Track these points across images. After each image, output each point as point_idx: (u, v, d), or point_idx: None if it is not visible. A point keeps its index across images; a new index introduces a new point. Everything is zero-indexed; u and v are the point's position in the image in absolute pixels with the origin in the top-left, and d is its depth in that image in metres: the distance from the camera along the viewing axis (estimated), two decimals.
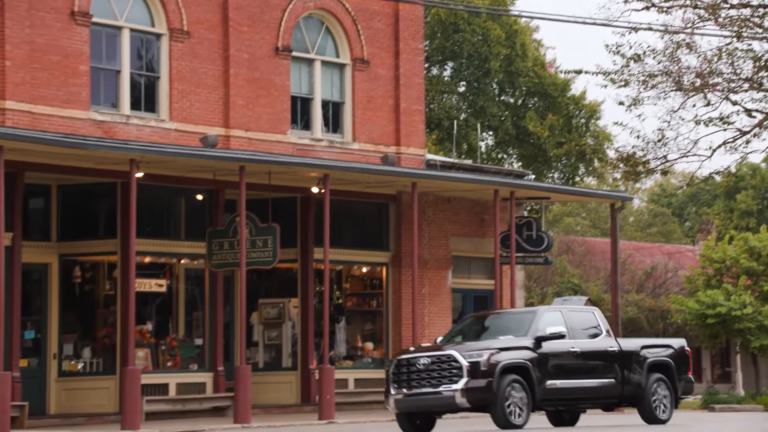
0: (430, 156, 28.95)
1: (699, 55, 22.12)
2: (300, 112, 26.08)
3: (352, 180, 24.81)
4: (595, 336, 18.04)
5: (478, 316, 19.68)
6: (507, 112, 40.22)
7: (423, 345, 19.49)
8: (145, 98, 23.72)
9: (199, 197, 24.20)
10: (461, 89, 40.61)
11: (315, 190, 24.37)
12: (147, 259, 23.27)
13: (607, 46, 23.07)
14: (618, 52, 22.87)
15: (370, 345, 26.87)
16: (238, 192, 22.22)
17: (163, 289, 23.67)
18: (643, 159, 23.70)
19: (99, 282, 23.51)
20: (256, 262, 23.02)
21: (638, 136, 23.58)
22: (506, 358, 16.75)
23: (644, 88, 22.72)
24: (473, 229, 28.47)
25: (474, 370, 16.47)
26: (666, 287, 35.09)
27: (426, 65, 36.48)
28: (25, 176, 21.34)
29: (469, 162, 31.82)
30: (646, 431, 17.32)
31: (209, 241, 23.53)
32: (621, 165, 24.52)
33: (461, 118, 39.43)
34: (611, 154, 35.30)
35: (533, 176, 36.84)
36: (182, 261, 24.00)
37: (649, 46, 22.53)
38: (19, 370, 20.94)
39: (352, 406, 25.29)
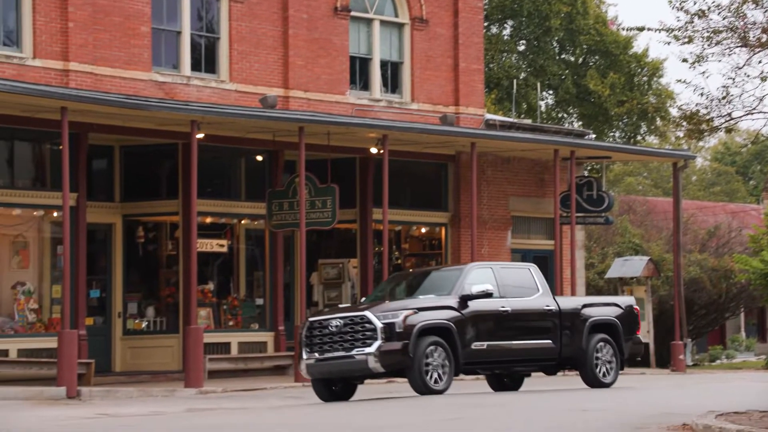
0: (489, 116, 28.79)
1: (765, 10, 21.67)
2: (359, 72, 26.05)
3: (411, 140, 24.77)
4: (530, 295, 16.82)
5: (406, 275, 18.54)
6: (567, 71, 39.78)
7: (340, 306, 18.15)
8: (205, 59, 23.84)
9: (259, 158, 24.34)
10: (521, 48, 40.23)
11: (374, 150, 24.38)
12: (208, 220, 23.49)
13: (670, 2, 22.70)
14: (682, 8, 22.49)
15: None
16: (297, 153, 22.30)
17: (224, 250, 23.91)
18: (707, 117, 23.36)
19: (161, 242, 23.80)
20: (316, 223, 23.14)
21: (702, 94, 23.24)
22: (425, 318, 15.54)
23: (708, 45, 22.34)
24: (533, 189, 28.33)
25: (389, 332, 15.27)
26: (729, 247, 34.64)
27: (485, 24, 36.14)
28: (89, 137, 21.61)
29: (528, 121, 31.60)
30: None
31: (269, 202, 23.68)
32: (684, 123, 24.19)
33: (521, 78, 39.09)
34: (674, 112, 34.86)
35: (594, 135, 36.44)
36: (243, 221, 24.20)
37: (713, 2, 22.14)
38: (85, 328, 21.33)
39: None
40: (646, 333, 30.15)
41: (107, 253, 22.78)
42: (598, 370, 16.98)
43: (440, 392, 15.36)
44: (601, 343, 17.04)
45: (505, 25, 40.32)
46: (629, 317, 17.59)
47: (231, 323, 23.60)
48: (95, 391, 19.14)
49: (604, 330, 17.16)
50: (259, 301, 24.21)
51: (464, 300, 15.98)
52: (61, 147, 19.71)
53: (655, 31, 23.07)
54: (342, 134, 23.53)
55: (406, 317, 15.35)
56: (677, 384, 20.79)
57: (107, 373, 22.05)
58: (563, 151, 26.33)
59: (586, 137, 30.48)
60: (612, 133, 40.34)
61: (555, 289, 27.68)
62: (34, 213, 21.50)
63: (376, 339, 15.24)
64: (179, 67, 23.46)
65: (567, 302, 17.27)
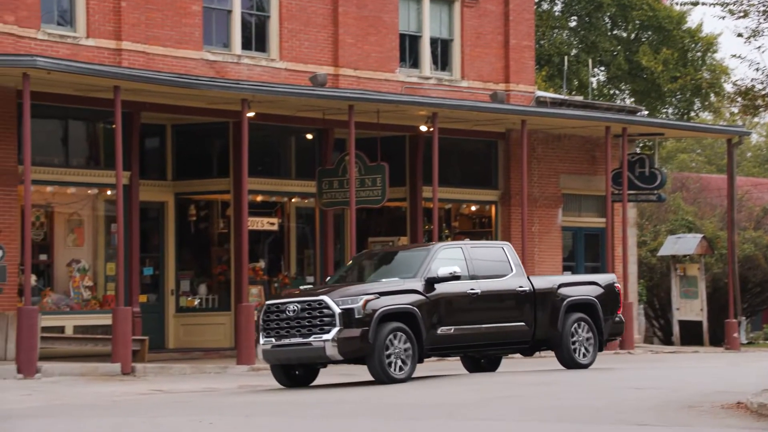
0: (539, 93, 28.62)
1: None
2: (408, 49, 26.00)
3: (461, 118, 24.71)
4: (502, 275, 16.04)
5: (372, 255, 17.51)
6: (619, 47, 39.38)
7: (302, 288, 17.30)
8: (255, 38, 23.93)
9: (309, 136, 24.42)
10: (572, 24, 39.87)
11: (423, 128, 24.36)
12: (259, 198, 23.65)
13: None
14: None
15: None
16: (347, 131, 22.35)
17: (275, 228, 24.07)
18: (763, 92, 22.98)
19: (213, 220, 24.01)
20: (366, 201, 23.20)
21: (757, 69, 22.82)
22: (387, 303, 14.66)
23: (764, 19, 21.94)
24: (584, 166, 28.16)
25: (347, 317, 14.42)
26: None
27: (536, 0, 35.87)
28: (141, 116, 21.81)
29: (579, 98, 31.35)
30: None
31: (319, 180, 23.78)
32: (739, 99, 23.80)
33: (572, 54, 38.77)
34: (728, 88, 34.37)
35: (646, 112, 36.08)
36: (293, 200, 24.33)
37: None
38: (139, 305, 21.61)
39: None
40: (699, 311, 29.92)
41: (160, 231, 23.02)
42: (575, 351, 16.34)
43: (401, 380, 14.54)
44: (578, 324, 16.36)
45: (556, 1, 39.98)
46: (610, 296, 16.89)
47: None
48: (149, 367, 19.40)
49: (581, 310, 16.50)
50: (310, 279, 24.35)
51: (430, 283, 15.17)
52: (114, 126, 19.92)
53: (710, 5, 22.68)
54: (392, 112, 23.52)
55: (366, 302, 14.55)
56: (731, 362, 20.63)
57: (161, 349, 22.32)
58: (615, 128, 26.12)
59: (639, 114, 30.20)
60: (665, 110, 39.93)
61: (606, 267, 27.56)
62: (89, 191, 21.78)
63: (334, 325, 14.44)
64: (230, 45, 23.57)
65: (542, 282, 16.47)
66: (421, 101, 23.56)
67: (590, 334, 16.46)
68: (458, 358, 17.22)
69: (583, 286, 16.84)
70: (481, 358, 16.85)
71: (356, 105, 22.23)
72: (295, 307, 14.64)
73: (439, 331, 15.12)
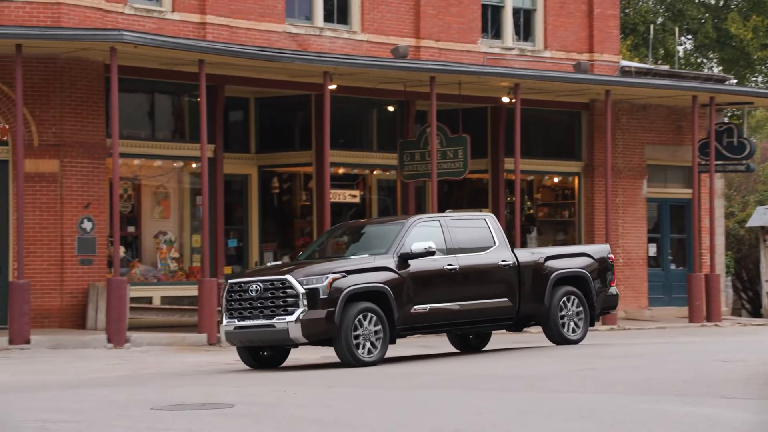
0: (624, 62, 28.25)
1: None
2: (490, 20, 25.83)
3: (544, 89, 24.52)
4: (484, 249, 15.08)
5: (345, 229, 16.11)
6: (707, 14, 38.61)
7: (268, 265, 16.07)
8: (337, 10, 23.99)
9: (391, 108, 24.47)
10: None
11: (505, 99, 24.24)
12: (341, 170, 23.80)
13: None
14: None
15: None
16: (428, 103, 22.34)
17: (357, 200, 24.21)
18: None
19: (296, 193, 24.24)
20: (447, 173, 23.20)
21: None
22: (355, 282, 13.73)
23: None
24: (670, 136, 27.76)
25: (312, 298, 13.52)
26: None
27: None
28: (225, 89, 22.06)
29: (666, 67, 30.85)
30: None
31: (400, 152, 23.83)
32: None
33: (658, 22, 38.11)
34: None
35: (735, 81, 35.39)
36: (374, 172, 24.43)
37: None
38: (224, 276, 21.93)
39: None
40: None
41: (243, 204, 23.32)
42: (563, 326, 15.52)
43: (371, 364, 13.68)
44: (567, 298, 15.53)
45: None
46: (602, 268, 16.02)
47: None
48: None
49: (570, 283, 15.65)
50: None
51: (403, 259, 14.18)
52: (198, 99, 20.19)
53: None
54: (473, 83, 23.44)
55: (332, 281, 13.60)
56: None
57: None
58: (702, 98, 25.69)
59: (727, 83, 29.63)
60: (754, 78, 39.09)
61: (692, 239, 27.20)
62: (174, 164, 22.14)
63: (298, 306, 13.54)
64: (312, 18, 23.68)
65: (527, 255, 15.54)
66: (504, 72, 23.42)
67: (580, 309, 15.66)
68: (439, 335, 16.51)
69: (573, 258, 15.93)
70: (469, 335, 16.14)
71: (438, 77, 22.19)
72: (258, 287, 13.75)
73: (413, 310, 14.20)
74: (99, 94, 20.42)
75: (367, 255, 14.25)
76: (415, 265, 14.26)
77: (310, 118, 23.32)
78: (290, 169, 23.96)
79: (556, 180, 26.93)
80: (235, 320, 13.89)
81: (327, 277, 13.63)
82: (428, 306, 14.33)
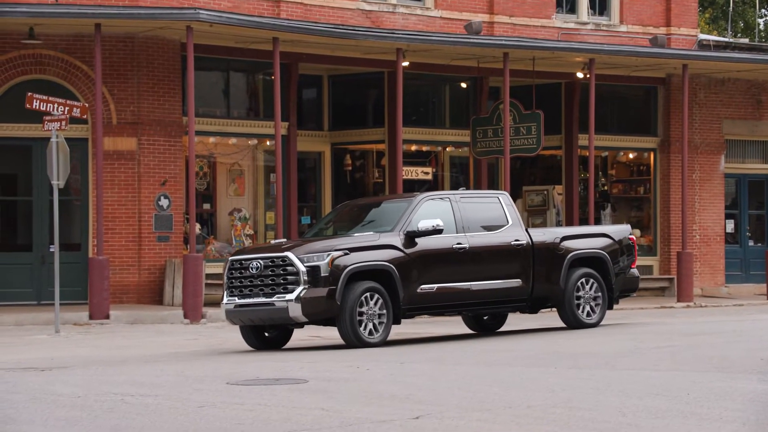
0: (702, 36, 27.79)
1: None
2: None
3: (619, 64, 24.26)
4: (497, 228, 14.53)
5: (354, 206, 15.54)
6: None
7: (272, 242, 15.48)
8: None
9: (463, 85, 24.42)
10: None
11: (580, 75, 24.04)
12: (413, 147, 23.84)
13: None
14: None
15: (637, 231, 26.54)
16: (501, 79, 22.25)
17: (429, 177, 24.23)
18: None
19: (368, 170, 24.34)
20: (520, 150, 23.11)
21: None
22: (357, 260, 13.25)
23: None
24: (749, 111, 27.30)
25: (313, 276, 13.07)
26: None
27: None
28: (299, 67, 22.20)
29: (745, 41, 30.29)
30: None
31: (473, 129, 23.78)
32: None
33: None
34: None
35: None
36: (447, 149, 24.43)
37: None
38: None
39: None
40: None
41: (317, 181, 23.49)
42: (580, 309, 14.87)
43: (374, 345, 13.25)
44: (584, 280, 14.91)
45: None
46: (622, 249, 15.37)
47: None
48: None
49: (588, 264, 15.04)
50: None
51: (410, 237, 13.68)
52: (272, 77, 20.36)
53: None
54: (547, 59, 23.27)
55: (333, 259, 13.15)
56: None
57: None
58: None
59: None
60: None
61: None
62: (249, 142, 22.38)
63: (298, 284, 13.09)
64: None
65: (542, 235, 14.95)
66: (578, 47, 23.22)
67: (598, 291, 14.99)
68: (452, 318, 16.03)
69: (591, 239, 15.29)
70: (484, 315, 15.64)
71: (511, 52, 22.08)
72: (258, 264, 13.29)
73: (419, 290, 13.68)
74: (175, 72, 20.70)
75: (371, 232, 13.81)
76: (423, 243, 13.77)
77: (382, 96, 23.37)
78: (363, 146, 24.06)
79: (631, 156, 26.67)
80: (236, 298, 13.47)
81: (328, 255, 13.18)
82: (435, 286, 13.82)
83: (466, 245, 14.13)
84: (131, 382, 10.09)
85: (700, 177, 26.62)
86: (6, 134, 20.20)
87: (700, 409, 7.87)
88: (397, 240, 13.63)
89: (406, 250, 13.63)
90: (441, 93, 24.61)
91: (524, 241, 14.61)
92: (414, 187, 24.11)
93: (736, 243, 27.47)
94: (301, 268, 13.11)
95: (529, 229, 14.89)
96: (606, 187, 26.45)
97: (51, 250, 18.66)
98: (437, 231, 13.75)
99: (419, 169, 24.09)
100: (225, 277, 13.64)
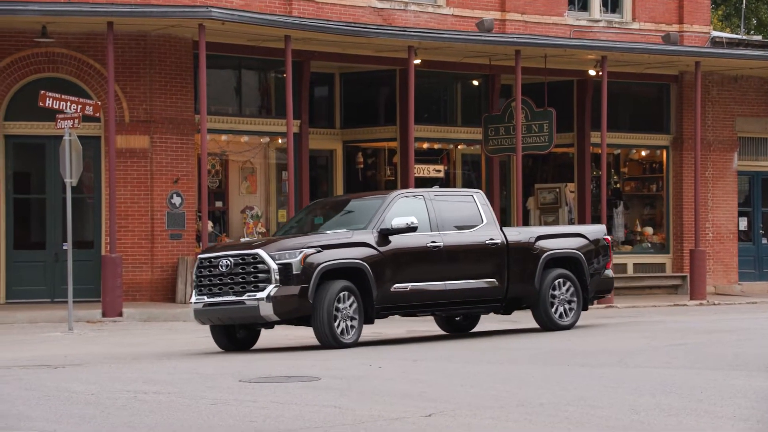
0: (715, 33, 27.72)
1: None
2: None
3: (632, 61, 24.22)
4: (471, 227, 14.19)
5: (326, 204, 15.43)
6: None
7: (243, 240, 15.04)
8: None
9: (475, 83, 24.42)
10: None
11: (592, 72, 24.01)
12: (425, 145, 23.84)
13: None
14: None
15: (649, 229, 26.51)
16: (513, 77, 22.24)
17: (441, 175, 24.24)
18: None
19: (380, 167, 24.36)
20: (532, 147, 23.09)
21: None
22: (330, 258, 12.93)
23: None
24: (762, 108, 27.23)
25: (285, 273, 12.72)
26: None
27: None
28: (311, 65, 22.23)
29: (758, 38, 30.19)
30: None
31: (485, 127, 23.78)
32: None
33: None
34: None
35: None
36: (459, 146, 24.44)
37: None
38: None
39: (631, 290, 25.17)
40: None
41: (329, 179, 23.51)
42: (554, 310, 14.55)
43: (348, 345, 12.96)
44: (559, 281, 14.57)
45: None
46: (597, 249, 15.05)
47: None
48: None
49: (563, 265, 14.71)
50: None
51: (384, 235, 13.34)
52: (284, 75, 20.39)
53: None
54: (559, 57, 23.25)
55: (305, 256, 12.80)
56: None
57: None
58: None
59: None
60: None
61: None
62: (261, 140, 22.42)
63: (269, 282, 12.74)
64: None
65: (517, 234, 14.60)
66: (591, 45, 23.19)
67: (572, 292, 14.67)
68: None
69: (566, 239, 14.94)
70: (456, 316, 15.28)
71: (523, 50, 22.06)
72: (228, 262, 12.95)
73: (393, 289, 13.36)
74: (187, 70, 20.75)
75: (344, 230, 13.51)
76: (396, 241, 13.44)
77: (394, 93, 23.39)
78: (375, 144, 24.08)
79: (643, 153, 26.62)
80: (205, 297, 13.13)
81: (300, 252, 12.84)
82: (409, 285, 13.51)
83: (441, 244, 13.83)
84: (144, 379, 10.14)
85: (713, 174, 26.56)
86: (19, 132, 20.29)
87: (713, 407, 7.86)
88: (371, 238, 13.32)
89: (379, 248, 13.32)
90: (453, 91, 24.61)
91: (499, 241, 14.31)
92: (426, 184, 24.13)
93: (750, 241, 27.40)
94: (273, 265, 12.76)
95: (504, 229, 14.60)
96: (618, 185, 26.42)
97: (64, 247, 18.72)
98: (411, 229, 13.44)
99: (431, 167, 24.11)
100: (194, 276, 13.36)
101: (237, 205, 22.45)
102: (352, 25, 21.09)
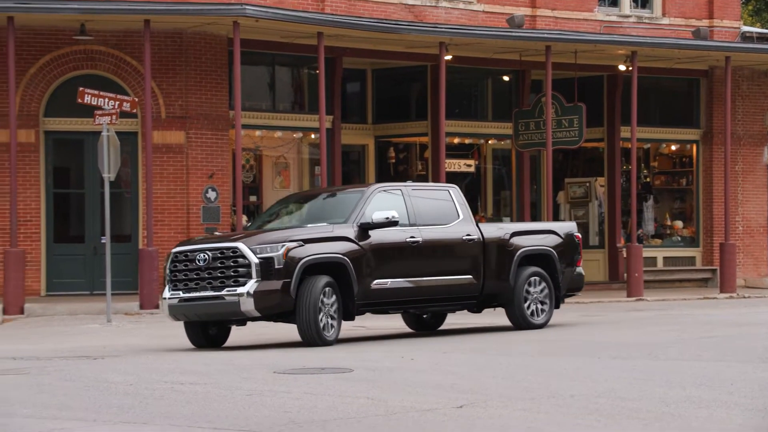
0: (745, 28, 27.67)
1: None
2: None
3: (661, 56, 24.27)
4: (448, 222, 13.77)
5: (300, 197, 14.96)
6: None
7: (216, 233, 14.78)
8: None
9: (506, 78, 24.54)
10: None
11: (622, 67, 24.08)
12: (456, 140, 24.02)
13: None
14: None
15: (679, 223, 26.56)
16: (543, 72, 22.36)
17: (472, 169, 24.41)
18: None
19: (411, 162, 24.55)
20: (562, 142, 23.22)
21: None
22: (313, 252, 12.50)
23: None
24: None
25: (266, 268, 12.26)
26: None
27: None
28: (343, 61, 22.45)
29: None
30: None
31: (515, 122, 23.92)
32: None
33: None
34: None
35: None
36: (489, 141, 24.58)
37: None
38: None
39: (661, 284, 25.26)
40: None
41: (361, 173, 23.73)
42: (527, 308, 14.14)
43: (329, 343, 12.51)
44: (533, 278, 14.20)
45: None
46: (569, 247, 14.65)
47: None
48: None
49: (536, 262, 14.32)
50: (506, 220, 24.63)
51: (364, 229, 12.91)
52: (317, 71, 20.62)
53: None
54: (589, 52, 23.35)
55: (288, 250, 12.34)
56: None
57: None
58: None
59: None
60: None
61: None
62: (294, 135, 22.66)
63: (250, 277, 12.28)
64: None
65: (493, 230, 14.18)
66: (621, 40, 23.27)
67: (546, 290, 14.28)
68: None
69: (540, 236, 14.55)
70: (424, 314, 14.85)
71: (554, 46, 22.18)
72: (206, 256, 12.48)
73: (373, 285, 12.93)
74: (222, 67, 21.02)
75: (325, 224, 13.02)
76: (376, 236, 12.98)
77: (425, 89, 23.56)
78: (406, 139, 24.27)
79: (673, 148, 26.66)
80: (180, 292, 12.64)
81: (282, 246, 12.36)
82: (389, 281, 13.06)
83: (420, 239, 13.41)
84: (181, 370, 10.21)
85: (743, 168, 26.56)
86: (59, 128, 20.63)
87: (744, 400, 7.85)
88: (351, 232, 12.87)
89: (360, 243, 12.86)
90: (483, 86, 24.75)
91: (475, 237, 13.89)
92: (457, 179, 24.31)
93: None
94: (254, 259, 12.30)
95: (479, 224, 14.21)
96: (648, 179, 26.48)
97: (102, 241, 19.05)
98: (392, 223, 13.00)
99: (462, 162, 24.27)
100: (167, 270, 12.85)
101: (271, 200, 22.69)
102: (384, 21, 21.28)
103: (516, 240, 14.24)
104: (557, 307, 14.59)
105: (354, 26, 20.65)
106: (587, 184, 25.78)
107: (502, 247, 14.11)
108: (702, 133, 26.32)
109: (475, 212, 24.56)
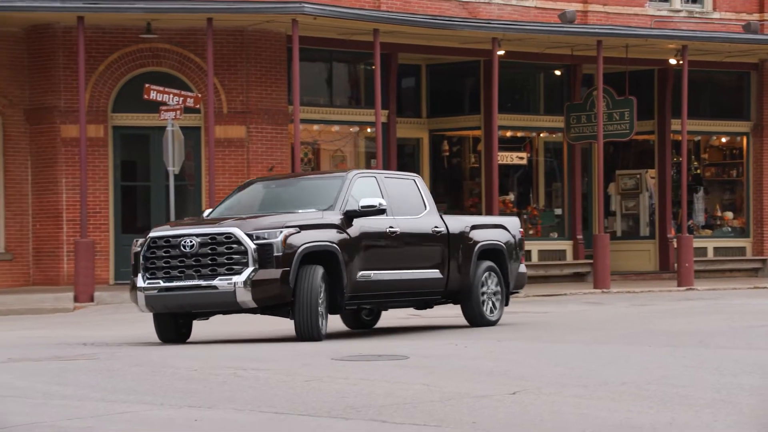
0: None
1: None
2: None
3: (712, 50, 24.46)
4: (417, 213, 12.90)
5: (270, 183, 13.14)
6: None
7: (198, 218, 13.35)
8: None
9: (557, 72, 24.89)
10: None
11: (673, 61, 24.32)
12: (508, 134, 24.41)
13: None
14: None
15: (729, 214, 26.76)
16: (595, 66, 22.68)
17: (524, 162, 24.80)
18: None
19: (465, 155, 24.98)
20: (613, 135, 23.54)
21: None
22: (309, 240, 11.49)
23: None
24: None
25: (264, 255, 11.24)
26: None
27: None
28: (398, 57, 22.94)
29: None
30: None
31: (567, 115, 24.28)
32: None
33: None
34: None
35: None
36: (541, 135, 24.96)
37: None
38: None
39: (711, 273, 25.50)
40: None
41: (415, 166, 24.19)
42: (483, 305, 13.28)
43: (318, 339, 11.55)
44: (488, 273, 13.33)
45: None
46: (516, 242, 13.86)
47: (531, 232, 24.58)
48: None
49: (490, 257, 13.48)
50: (558, 212, 25.01)
51: (350, 217, 11.95)
52: (373, 67, 21.15)
53: None
54: (640, 46, 23.62)
55: (286, 237, 11.34)
56: None
57: None
58: None
59: None
60: None
61: None
62: (351, 129, 23.20)
63: (247, 264, 11.25)
64: None
65: (454, 223, 13.24)
66: (671, 35, 23.51)
67: (499, 286, 13.46)
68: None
69: (492, 230, 13.66)
70: (367, 311, 13.81)
71: (604, 40, 22.48)
72: (193, 242, 11.37)
73: (358, 277, 11.93)
74: (281, 63, 21.60)
75: (314, 210, 11.98)
76: (359, 224, 12.00)
77: (478, 83, 23.96)
78: (460, 132, 24.68)
79: (723, 140, 26.83)
80: (160, 281, 11.50)
81: (281, 232, 11.36)
82: (372, 272, 12.10)
83: (398, 229, 12.47)
84: (245, 356, 10.30)
85: None
86: (126, 123, 21.31)
87: None
88: (338, 219, 11.89)
89: (346, 231, 11.88)
90: (535, 80, 25.09)
91: (442, 229, 13.04)
92: (509, 171, 24.73)
93: None
94: (251, 245, 11.25)
95: (444, 216, 13.31)
96: (699, 171, 26.69)
97: None
98: (380, 211, 12.06)
99: (514, 155, 24.66)
100: (140, 258, 11.63)
101: None
102: (438, 18, 21.74)
103: (474, 234, 13.40)
104: (507, 304, 13.79)
105: (409, 23, 21.11)
106: (638, 176, 26.05)
107: (465, 240, 13.24)
108: (752, 125, 26.47)
109: (526, 203, 25.05)
